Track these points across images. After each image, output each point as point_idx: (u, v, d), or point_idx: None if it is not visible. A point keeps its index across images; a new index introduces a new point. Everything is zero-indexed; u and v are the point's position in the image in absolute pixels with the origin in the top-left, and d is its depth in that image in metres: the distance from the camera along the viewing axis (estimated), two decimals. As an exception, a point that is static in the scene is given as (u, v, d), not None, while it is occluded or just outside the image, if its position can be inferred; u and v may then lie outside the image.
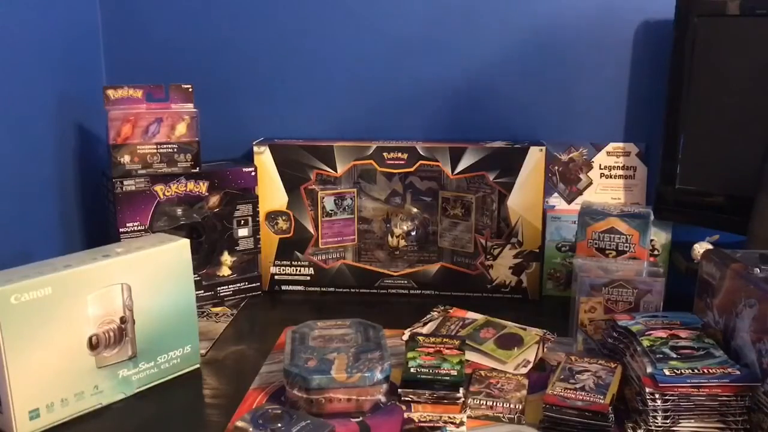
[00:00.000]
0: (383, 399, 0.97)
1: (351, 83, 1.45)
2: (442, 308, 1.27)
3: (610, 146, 1.42)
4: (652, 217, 1.18)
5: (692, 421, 0.87)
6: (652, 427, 0.87)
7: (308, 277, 1.39)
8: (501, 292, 1.36)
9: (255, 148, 1.34)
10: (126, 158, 1.23)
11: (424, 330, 1.19)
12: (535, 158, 1.29)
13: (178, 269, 1.05)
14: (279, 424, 0.87)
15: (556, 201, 1.44)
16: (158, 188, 1.25)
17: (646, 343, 0.94)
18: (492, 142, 1.35)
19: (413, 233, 1.39)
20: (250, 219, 1.34)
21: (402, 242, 1.39)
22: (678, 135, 1.28)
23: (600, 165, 1.43)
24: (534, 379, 1.02)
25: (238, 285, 1.35)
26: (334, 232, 1.38)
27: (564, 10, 1.38)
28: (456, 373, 0.99)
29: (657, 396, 0.87)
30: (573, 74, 1.41)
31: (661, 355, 0.91)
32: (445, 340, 1.08)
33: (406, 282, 1.38)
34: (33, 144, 1.24)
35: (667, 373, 0.88)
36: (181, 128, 1.26)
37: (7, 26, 1.17)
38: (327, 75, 1.45)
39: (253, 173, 1.33)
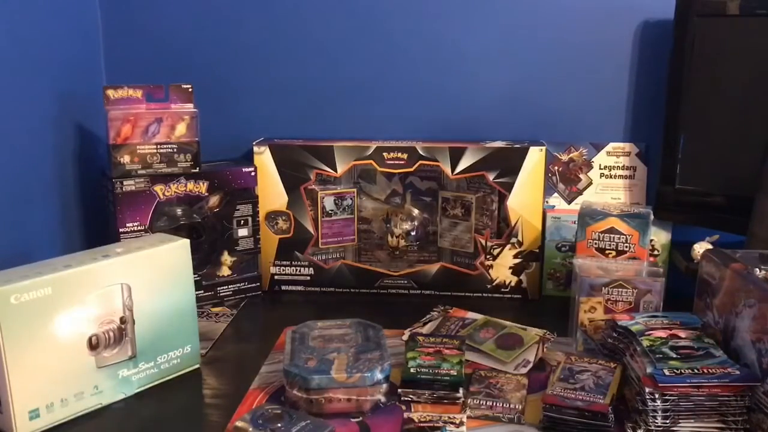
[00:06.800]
0: (383, 399, 0.97)
1: (351, 83, 1.45)
2: (442, 308, 1.27)
3: (610, 146, 1.42)
4: (652, 217, 1.18)
5: (692, 421, 0.87)
6: (652, 427, 0.87)
7: (308, 277, 1.39)
8: (501, 292, 1.36)
9: (255, 148, 1.34)
10: (126, 158, 1.23)
11: (424, 330, 1.19)
12: (535, 158, 1.29)
13: (178, 269, 1.05)
14: (279, 424, 0.87)
15: (556, 201, 1.44)
16: (158, 188, 1.25)
17: (646, 343, 0.94)
18: (492, 142, 1.35)
19: (413, 233, 1.39)
20: (250, 219, 1.34)
21: (402, 242, 1.39)
22: (678, 135, 1.28)
23: (600, 165, 1.43)
24: (534, 379, 1.02)
25: (238, 285, 1.35)
26: (334, 232, 1.38)
27: (564, 9, 1.38)
28: (456, 373, 0.99)
29: (657, 396, 0.87)
30: (573, 74, 1.41)
31: (660, 355, 0.91)
32: (445, 340, 1.08)
33: (406, 282, 1.38)
34: (33, 144, 1.24)
35: (667, 373, 0.88)
36: (181, 128, 1.26)
37: (7, 26, 1.17)
38: (327, 75, 1.45)
39: (253, 173, 1.33)
